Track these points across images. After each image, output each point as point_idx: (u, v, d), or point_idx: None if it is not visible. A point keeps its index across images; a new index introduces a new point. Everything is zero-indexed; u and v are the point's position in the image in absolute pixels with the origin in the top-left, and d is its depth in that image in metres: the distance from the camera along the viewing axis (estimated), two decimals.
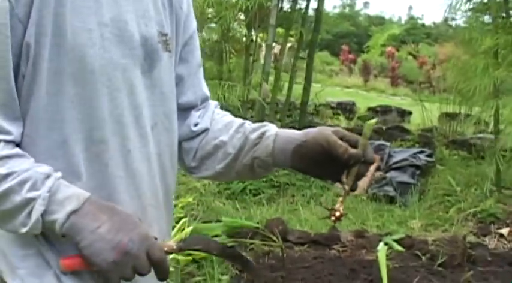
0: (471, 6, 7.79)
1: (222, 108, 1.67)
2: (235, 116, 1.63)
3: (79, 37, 1.26)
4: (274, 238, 4.68)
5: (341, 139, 1.36)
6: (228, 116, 1.62)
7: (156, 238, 1.29)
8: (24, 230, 1.21)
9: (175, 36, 1.52)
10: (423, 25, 48.81)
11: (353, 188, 1.39)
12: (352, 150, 1.34)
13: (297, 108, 10.78)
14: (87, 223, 1.20)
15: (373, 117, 1.64)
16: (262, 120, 7.62)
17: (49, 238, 1.28)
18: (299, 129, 1.49)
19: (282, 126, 8.47)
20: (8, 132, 1.23)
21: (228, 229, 4.66)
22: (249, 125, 1.54)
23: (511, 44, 6.76)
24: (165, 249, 1.28)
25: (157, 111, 1.44)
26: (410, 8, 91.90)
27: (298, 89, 9.84)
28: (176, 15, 1.51)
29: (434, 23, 48.54)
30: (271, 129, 1.50)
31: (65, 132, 1.27)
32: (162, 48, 1.43)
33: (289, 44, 10.01)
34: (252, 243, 4.92)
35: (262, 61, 9.18)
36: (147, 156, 1.42)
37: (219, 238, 4.39)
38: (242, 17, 8.62)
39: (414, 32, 43.94)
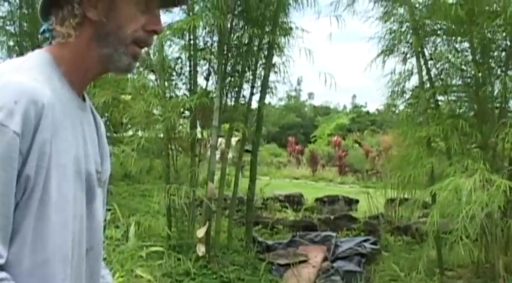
0: (406, 97, 8.24)
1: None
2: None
3: (60, 172, 1.44)
4: None
5: None
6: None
7: None
8: None
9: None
10: (367, 113, 49.98)
11: None
12: None
13: (245, 203, 10.90)
14: None
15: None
16: (209, 219, 7.78)
17: None
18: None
19: (230, 222, 8.63)
20: (1, 256, 1.33)
21: None
22: None
23: (441, 133, 7.14)
24: None
25: (94, 237, 1.63)
26: (354, 96, 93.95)
27: (246, 182, 9.99)
28: (103, 153, 1.71)
29: (377, 110, 49.84)
30: None
31: (47, 254, 1.41)
32: (97, 184, 1.63)
33: (236, 138, 10.21)
34: None
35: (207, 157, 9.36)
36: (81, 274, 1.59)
37: None
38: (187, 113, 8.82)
39: (359, 120, 44.99)
